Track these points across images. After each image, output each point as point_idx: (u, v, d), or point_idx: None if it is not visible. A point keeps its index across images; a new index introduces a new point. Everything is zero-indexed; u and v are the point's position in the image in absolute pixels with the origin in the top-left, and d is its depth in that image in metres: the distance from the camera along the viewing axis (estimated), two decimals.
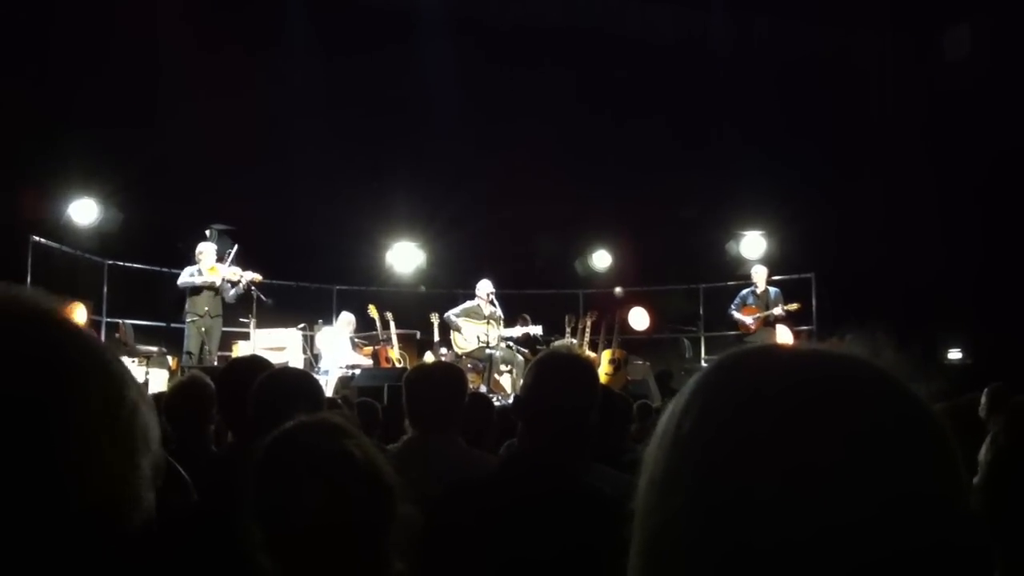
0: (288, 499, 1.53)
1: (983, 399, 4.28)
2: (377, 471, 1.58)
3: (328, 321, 10.86)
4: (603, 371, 10.30)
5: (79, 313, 8.86)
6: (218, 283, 9.45)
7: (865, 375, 0.63)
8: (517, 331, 10.31)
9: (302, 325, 10.66)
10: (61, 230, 10.34)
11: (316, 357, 10.45)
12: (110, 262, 10.49)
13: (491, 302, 10.17)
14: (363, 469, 1.55)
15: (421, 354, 10.66)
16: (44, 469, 0.63)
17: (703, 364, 11.25)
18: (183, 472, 2.90)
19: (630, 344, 11.42)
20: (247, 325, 9.78)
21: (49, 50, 9.94)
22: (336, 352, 10.23)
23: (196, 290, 9.46)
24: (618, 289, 11.53)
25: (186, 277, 9.47)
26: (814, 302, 11.24)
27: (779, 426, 0.59)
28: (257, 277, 9.55)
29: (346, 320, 10.53)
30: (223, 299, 9.59)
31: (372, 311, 10.64)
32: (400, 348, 10.59)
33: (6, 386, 0.64)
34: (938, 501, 0.59)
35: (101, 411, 0.67)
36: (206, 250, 9.61)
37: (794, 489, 0.57)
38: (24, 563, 0.62)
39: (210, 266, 9.50)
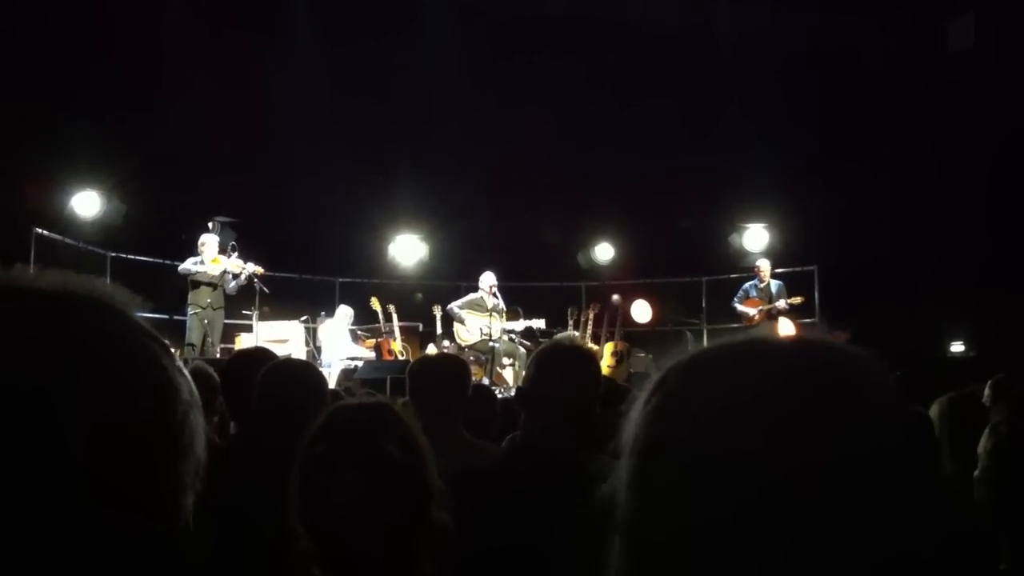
0: (320, 494, 1.54)
1: (986, 390, 4.26)
2: (415, 473, 1.58)
3: (331, 313, 10.87)
4: (605, 363, 10.31)
5: None
6: (216, 273, 9.44)
7: (843, 371, 0.63)
8: (520, 324, 10.31)
9: (304, 317, 10.67)
10: (64, 222, 10.35)
11: (319, 349, 10.46)
12: (113, 254, 10.49)
13: (494, 294, 10.17)
14: (400, 471, 1.55)
15: (424, 346, 10.66)
16: (49, 464, 0.62)
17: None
18: None
19: (632, 336, 11.43)
20: (250, 317, 9.79)
21: (51, 40, 9.91)
22: (337, 345, 10.24)
23: (197, 283, 9.47)
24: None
25: (187, 265, 9.48)
26: (816, 295, 11.23)
27: (764, 434, 0.59)
28: (259, 269, 9.56)
29: (344, 313, 10.54)
30: (225, 291, 9.60)
31: (375, 303, 10.65)
32: (402, 340, 10.60)
33: (14, 373, 0.63)
34: (931, 498, 0.59)
35: (120, 410, 0.65)
36: (209, 242, 9.62)
37: (785, 495, 0.57)
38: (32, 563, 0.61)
39: (212, 258, 9.51)
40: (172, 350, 0.72)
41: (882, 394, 0.62)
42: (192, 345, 9.23)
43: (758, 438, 0.59)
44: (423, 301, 10.78)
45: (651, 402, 0.65)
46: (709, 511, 0.58)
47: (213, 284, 9.46)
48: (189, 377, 0.73)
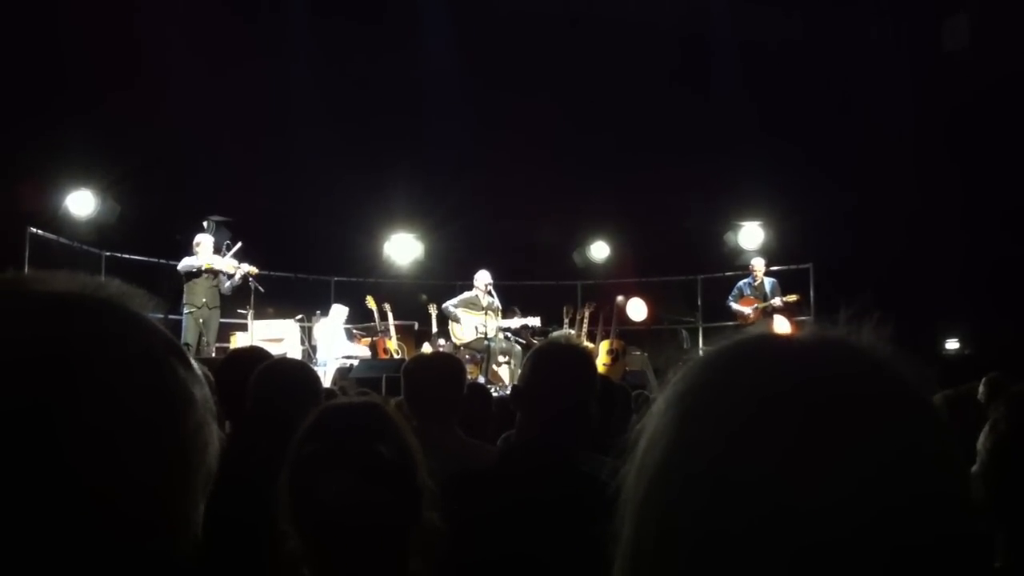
0: (310, 494, 1.53)
1: (981, 388, 4.27)
2: (406, 473, 1.58)
3: (326, 313, 10.86)
4: (601, 362, 10.30)
5: None
6: (216, 266, 9.44)
7: (866, 373, 0.62)
8: (515, 322, 10.30)
9: (300, 316, 10.66)
10: (58, 222, 10.32)
11: (314, 348, 10.45)
12: (108, 254, 10.46)
13: (489, 293, 10.16)
14: (391, 471, 1.55)
15: (419, 345, 10.65)
16: (54, 479, 0.61)
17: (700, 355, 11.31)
18: None
19: (628, 335, 11.43)
20: (245, 316, 9.77)
21: (45, 40, 9.89)
22: (332, 344, 10.23)
23: (193, 279, 9.45)
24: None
25: (187, 260, 9.47)
26: (812, 292, 11.23)
27: (781, 430, 0.59)
28: (254, 270, 9.55)
29: (339, 312, 10.53)
30: (220, 290, 9.59)
31: (370, 302, 10.64)
32: (398, 339, 10.59)
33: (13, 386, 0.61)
34: (941, 496, 0.58)
35: (134, 421, 0.64)
36: (204, 242, 9.60)
37: (799, 492, 0.57)
38: None
39: (208, 257, 9.49)
40: (191, 359, 0.71)
41: (904, 392, 0.62)
42: (188, 345, 9.22)
43: (782, 439, 0.58)
44: (426, 302, 10.75)
45: (669, 403, 0.65)
46: (730, 514, 0.58)
47: (214, 272, 9.45)
48: (205, 385, 0.71)
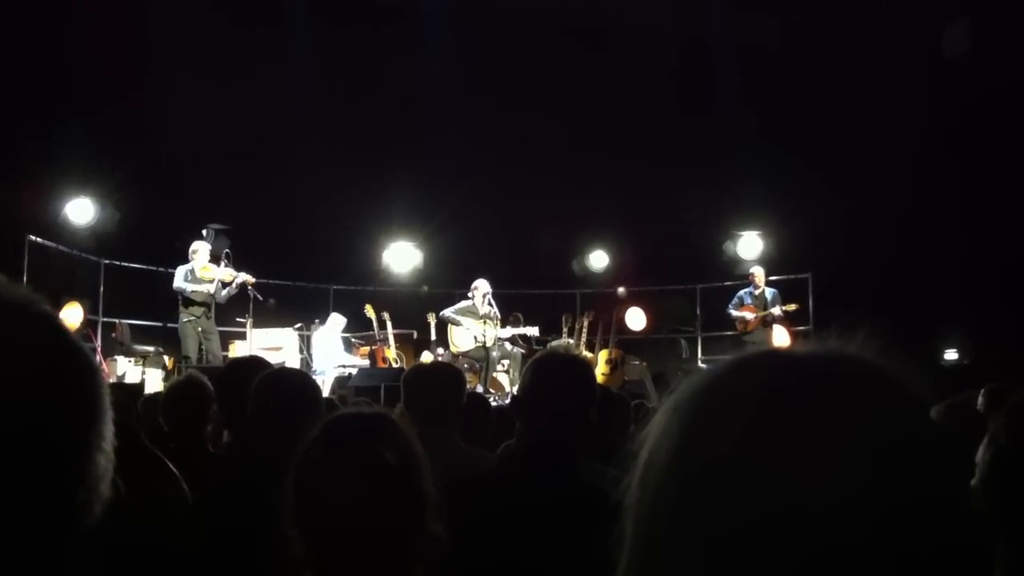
0: (315, 498, 1.53)
1: (980, 399, 4.27)
2: (410, 479, 1.58)
3: (324, 321, 10.85)
4: (600, 371, 10.30)
5: (75, 312, 8.88)
6: (212, 289, 9.38)
7: (866, 378, 0.63)
8: (508, 331, 10.30)
9: (298, 325, 10.65)
10: (58, 229, 10.32)
11: (312, 357, 10.44)
12: (107, 261, 10.47)
13: (488, 302, 10.15)
14: (394, 476, 1.55)
15: (418, 354, 10.65)
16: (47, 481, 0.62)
17: (700, 364, 11.22)
18: (174, 469, 2.91)
19: (627, 344, 11.42)
20: (244, 325, 9.76)
21: (46, 47, 9.91)
22: (329, 352, 10.22)
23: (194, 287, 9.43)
24: (621, 289, 11.55)
25: (180, 282, 9.39)
26: (811, 302, 11.24)
27: (782, 432, 0.59)
28: (251, 279, 9.51)
29: (335, 321, 10.53)
30: (216, 299, 9.54)
31: (369, 311, 10.63)
32: (397, 348, 10.58)
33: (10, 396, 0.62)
34: (943, 501, 0.59)
35: (94, 414, 0.67)
36: (200, 249, 9.55)
37: (802, 494, 0.57)
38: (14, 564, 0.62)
39: (203, 265, 9.45)
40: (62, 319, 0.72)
41: (903, 395, 0.62)
42: (187, 358, 9.18)
43: (784, 440, 0.58)
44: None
45: (674, 408, 0.65)
46: (734, 517, 0.58)
47: (207, 305, 9.42)
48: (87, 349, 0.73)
